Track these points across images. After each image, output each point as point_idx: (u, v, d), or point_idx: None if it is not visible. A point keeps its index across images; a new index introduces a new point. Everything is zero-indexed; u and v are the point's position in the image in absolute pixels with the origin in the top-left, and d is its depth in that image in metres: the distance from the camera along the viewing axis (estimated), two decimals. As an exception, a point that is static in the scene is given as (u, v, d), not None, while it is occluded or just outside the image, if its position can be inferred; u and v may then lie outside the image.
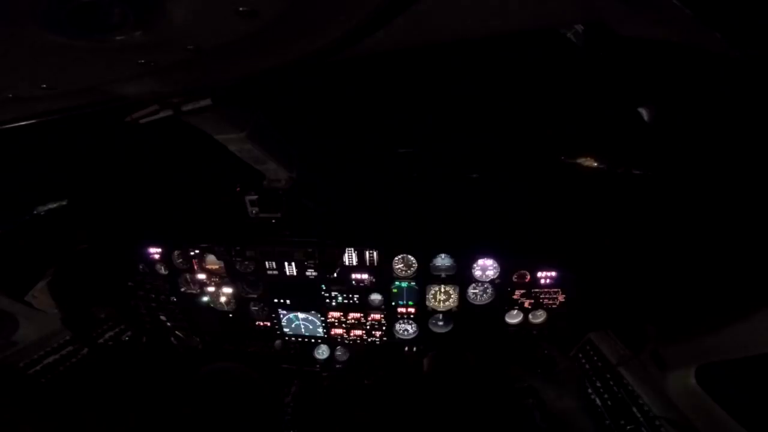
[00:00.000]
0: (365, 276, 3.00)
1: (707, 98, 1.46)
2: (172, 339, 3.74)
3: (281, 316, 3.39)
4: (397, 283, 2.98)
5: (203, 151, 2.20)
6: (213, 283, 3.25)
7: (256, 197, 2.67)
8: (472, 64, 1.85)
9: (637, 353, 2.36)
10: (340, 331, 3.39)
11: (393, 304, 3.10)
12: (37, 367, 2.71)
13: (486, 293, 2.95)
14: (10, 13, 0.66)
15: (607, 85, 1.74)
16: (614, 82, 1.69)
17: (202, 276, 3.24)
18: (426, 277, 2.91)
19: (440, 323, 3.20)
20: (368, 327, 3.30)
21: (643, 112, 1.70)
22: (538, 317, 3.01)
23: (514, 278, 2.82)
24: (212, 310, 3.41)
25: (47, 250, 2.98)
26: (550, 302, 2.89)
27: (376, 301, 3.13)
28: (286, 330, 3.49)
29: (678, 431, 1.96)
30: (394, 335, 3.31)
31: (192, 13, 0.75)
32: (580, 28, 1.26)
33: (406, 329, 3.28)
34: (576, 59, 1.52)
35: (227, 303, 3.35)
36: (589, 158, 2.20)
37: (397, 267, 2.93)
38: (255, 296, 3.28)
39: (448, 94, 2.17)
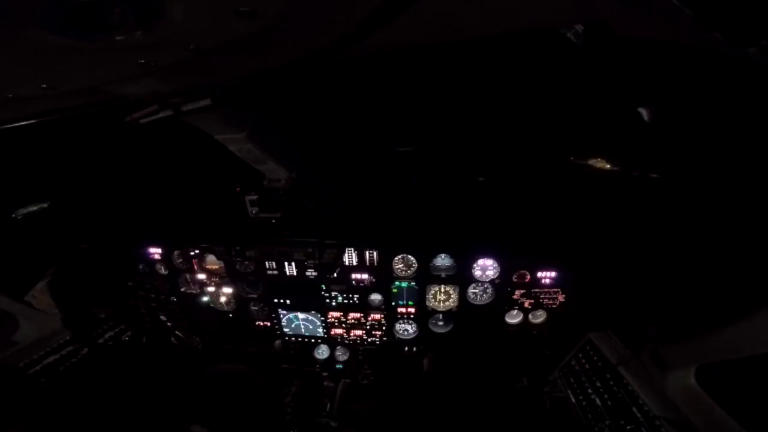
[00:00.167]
0: (365, 276, 3.00)
1: (707, 98, 1.46)
2: (172, 339, 3.75)
3: (281, 316, 3.39)
4: (397, 283, 2.98)
5: (203, 151, 2.20)
6: (213, 283, 3.25)
7: (256, 197, 2.67)
8: (471, 64, 1.85)
9: (637, 353, 2.36)
10: (340, 331, 3.39)
11: (393, 304, 3.11)
12: (37, 367, 2.71)
13: (486, 293, 2.95)
14: (10, 13, 0.66)
15: (607, 85, 1.74)
16: (614, 82, 1.69)
17: (202, 276, 3.24)
18: (426, 277, 2.91)
19: (440, 323, 3.20)
20: (368, 327, 3.30)
21: (643, 112, 1.70)
22: (538, 317, 3.01)
23: (514, 278, 2.82)
24: (212, 310, 3.41)
25: (47, 250, 2.98)
26: (550, 302, 2.89)
27: (376, 301, 3.13)
28: (286, 330, 3.48)
29: (678, 431, 1.96)
30: (394, 335, 3.31)
31: (192, 13, 0.75)
32: (580, 28, 1.26)
33: (406, 329, 3.28)
34: (576, 59, 1.52)
35: (227, 303, 3.35)
36: (600, 160, 2.18)
37: (397, 267, 2.93)
38: (255, 296, 3.28)
39: (448, 94, 2.17)
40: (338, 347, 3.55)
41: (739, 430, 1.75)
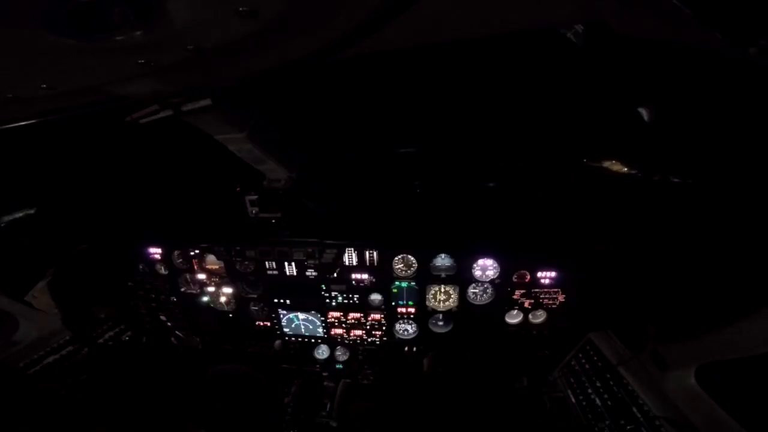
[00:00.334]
0: (365, 276, 3.00)
1: (707, 98, 1.46)
2: (172, 339, 3.74)
3: (281, 316, 3.39)
4: (397, 283, 2.98)
5: (203, 151, 2.20)
6: (213, 283, 3.25)
7: (256, 197, 2.67)
8: (471, 65, 1.85)
9: (637, 353, 2.36)
10: (340, 331, 3.39)
11: (393, 304, 3.10)
12: (37, 367, 2.71)
13: (486, 293, 2.95)
14: (10, 13, 0.66)
15: (609, 86, 1.74)
16: (614, 82, 1.69)
17: (202, 276, 3.24)
18: (426, 277, 2.91)
19: (440, 323, 3.20)
20: (368, 327, 3.30)
21: (643, 112, 1.70)
22: (538, 317, 3.01)
23: (514, 278, 2.82)
24: (212, 310, 3.41)
25: (47, 250, 2.98)
26: (550, 302, 2.89)
27: (376, 301, 3.13)
28: (286, 330, 3.48)
29: (678, 431, 1.96)
30: (394, 335, 3.31)
31: (192, 13, 0.75)
32: (580, 28, 1.26)
33: (406, 329, 3.28)
34: (576, 59, 1.52)
35: (227, 303, 3.35)
36: (615, 162, 2.14)
37: (397, 267, 2.93)
38: (255, 296, 3.28)
39: (447, 95, 2.17)
40: (338, 347, 3.55)
41: (739, 430, 1.75)
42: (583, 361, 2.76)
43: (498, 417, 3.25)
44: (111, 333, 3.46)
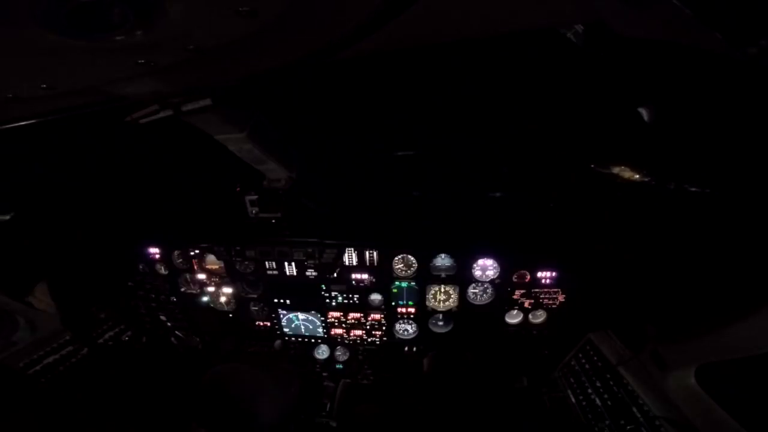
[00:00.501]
0: (365, 276, 3.00)
1: (707, 98, 1.46)
2: (172, 339, 3.74)
3: (281, 316, 3.39)
4: (397, 283, 2.98)
5: (203, 151, 2.20)
6: (213, 283, 3.25)
7: (256, 197, 2.67)
8: (471, 65, 1.85)
9: (637, 353, 2.36)
10: (340, 331, 3.39)
11: (393, 304, 3.10)
12: (37, 367, 2.71)
13: (486, 293, 2.95)
14: (10, 13, 0.66)
15: (608, 86, 1.74)
16: (615, 82, 1.69)
17: (202, 276, 3.24)
18: (426, 277, 2.91)
19: (440, 323, 3.20)
20: (368, 327, 3.30)
21: (643, 112, 1.70)
22: (538, 317, 3.01)
23: (514, 278, 2.82)
24: (212, 310, 3.41)
25: (47, 250, 2.98)
26: (550, 302, 2.89)
27: (376, 301, 3.13)
28: (286, 330, 3.49)
29: (678, 431, 1.96)
30: (394, 335, 3.31)
31: (192, 13, 0.75)
32: (580, 28, 1.26)
33: (406, 329, 3.28)
34: (577, 59, 1.52)
35: (227, 303, 3.35)
36: (625, 168, 2.07)
37: (397, 267, 2.93)
38: (255, 296, 3.28)
39: (447, 95, 2.17)
40: (338, 347, 3.55)
41: (739, 430, 1.75)
42: (583, 361, 2.76)
43: (498, 417, 3.24)
44: (111, 333, 3.46)
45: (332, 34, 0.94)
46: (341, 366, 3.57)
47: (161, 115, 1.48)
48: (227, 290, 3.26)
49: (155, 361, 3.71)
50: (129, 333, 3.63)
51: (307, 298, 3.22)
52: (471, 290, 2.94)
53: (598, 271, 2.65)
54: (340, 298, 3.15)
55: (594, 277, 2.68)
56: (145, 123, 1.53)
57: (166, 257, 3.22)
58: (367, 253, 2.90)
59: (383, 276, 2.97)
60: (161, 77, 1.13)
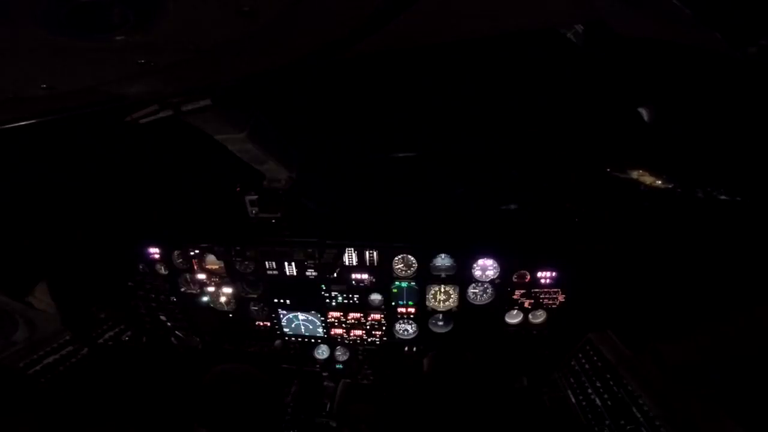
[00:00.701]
0: (365, 276, 3.00)
1: (707, 98, 1.46)
2: (172, 339, 3.74)
3: (281, 316, 3.39)
4: (397, 283, 2.98)
5: (203, 151, 2.20)
6: (213, 283, 3.25)
7: (256, 197, 2.67)
8: (470, 65, 1.85)
9: (637, 353, 2.36)
10: (340, 331, 3.39)
11: (393, 304, 3.10)
12: (37, 367, 2.71)
13: (486, 293, 2.95)
14: (10, 13, 0.66)
15: (610, 86, 1.74)
16: (614, 82, 1.69)
17: (202, 276, 3.24)
18: (426, 277, 2.91)
19: (440, 323, 3.20)
20: (368, 327, 3.30)
21: (643, 112, 1.70)
22: (538, 317, 3.01)
23: (514, 278, 2.82)
24: (212, 310, 3.41)
25: (47, 250, 2.98)
26: (550, 302, 2.89)
27: (376, 301, 3.13)
28: (286, 330, 3.48)
29: (678, 431, 1.96)
30: (394, 335, 3.31)
31: (192, 13, 0.75)
32: (580, 28, 1.26)
33: (406, 329, 3.28)
34: (576, 59, 1.52)
35: (227, 303, 3.35)
36: (644, 173, 1.97)
37: (397, 267, 2.93)
38: (255, 296, 3.28)
39: (447, 96, 2.17)
40: (338, 347, 3.55)
41: (739, 430, 1.75)
42: (583, 361, 2.76)
43: (498, 417, 3.24)
44: (111, 333, 3.46)
45: (332, 34, 0.94)
46: (341, 366, 3.57)
47: (161, 115, 1.48)
48: (227, 290, 3.26)
49: (155, 361, 3.71)
50: (129, 333, 3.62)
51: (307, 298, 3.22)
52: (471, 290, 2.94)
53: (598, 271, 2.65)
54: (340, 298, 3.15)
55: (594, 277, 2.68)
56: (145, 123, 1.53)
57: (166, 257, 3.21)
58: (367, 253, 2.90)
59: (383, 276, 2.97)
60: (161, 77, 1.13)
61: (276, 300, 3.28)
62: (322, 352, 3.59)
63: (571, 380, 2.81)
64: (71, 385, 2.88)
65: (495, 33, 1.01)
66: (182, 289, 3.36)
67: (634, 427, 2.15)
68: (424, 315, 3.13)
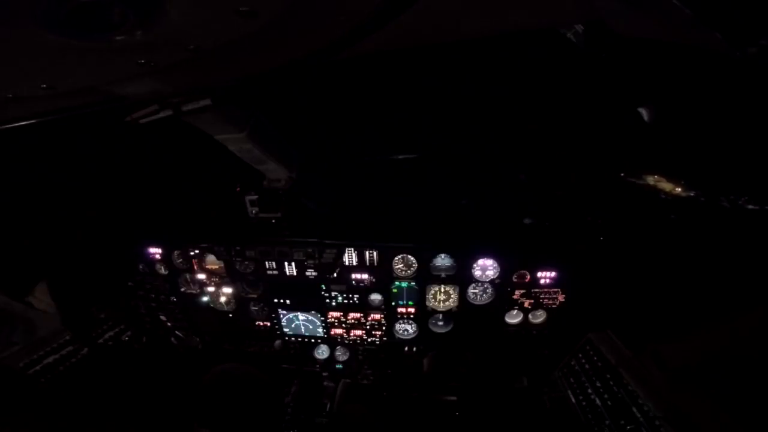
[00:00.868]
0: (365, 276, 3.00)
1: (707, 98, 1.46)
2: (172, 339, 3.74)
3: (281, 316, 3.39)
4: (397, 283, 2.98)
5: (203, 151, 2.20)
6: (213, 283, 3.25)
7: (256, 197, 2.67)
8: (470, 65, 1.85)
9: (637, 353, 2.36)
10: (340, 331, 3.39)
11: (393, 304, 3.10)
12: (37, 367, 2.71)
13: (486, 293, 2.95)
14: (10, 13, 0.66)
15: (608, 85, 1.74)
16: (615, 82, 1.69)
17: (202, 276, 3.24)
18: (426, 277, 2.91)
19: (440, 323, 3.19)
20: (368, 327, 3.30)
21: (643, 112, 1.70)
22: (538, 317, 3.01)
23: (514, 278, 2.82)
24: (212, 310, 3.41)
25: (47, 250, 2.98)
26: (550, 302, 2.89)
27: (376, 301, 3.13)
28: (286, 330, 3.48)
29: (678, 431, 1.96)
30: (394, 335, 3.31)
31: (192, 13, 0.75)
32: (580, 28, 1.26)
33: (406, 329, 3.28)
34: (576, 59, 1.52)
35: (227, 303, 3.35)
36: (661, 179, 1.87)
37: (397, 267, 2.93)
38: (255, 296, 3.28)
39: (447, 96, 2.17)
40: (338, 347, 3.55)
41: (738, 429, 1.75)
42: (583, 361, 2.76)
43: (498, 417, 3.24)
44: (111, 333, 3.46)
45: (333, 34, 0.94)
46: (341, 366, 3.57)
47: (161, 115, 1.48)
48: (227, 290, 3.26)
49: (155, 361, 3.71)
50: (129, 333, 3.63)
51: (307, 298, 3.22)
52: (471, 290, 2.94)
53: (598, 271, 2.65)
54: (340, 298, 3.15)
55: (594, 277, 2.68)
56: (145, 123, 1.53)
57: (166, 257, 3.21)
58: (367, 253, 2.90)
59: (383, 276, 2.97)
60: (161, 77, 1.13)
61: (276, 300, 3.28)
62: (322, 352, 3.59)
63: (571, 380, 2.81)
64: (71, 385, 2.88)
65: (495, 33, 1.01)
66: (182, 289, 3.36)
67: (634, 427, 2.15)
68: (424, 315, 3.12)
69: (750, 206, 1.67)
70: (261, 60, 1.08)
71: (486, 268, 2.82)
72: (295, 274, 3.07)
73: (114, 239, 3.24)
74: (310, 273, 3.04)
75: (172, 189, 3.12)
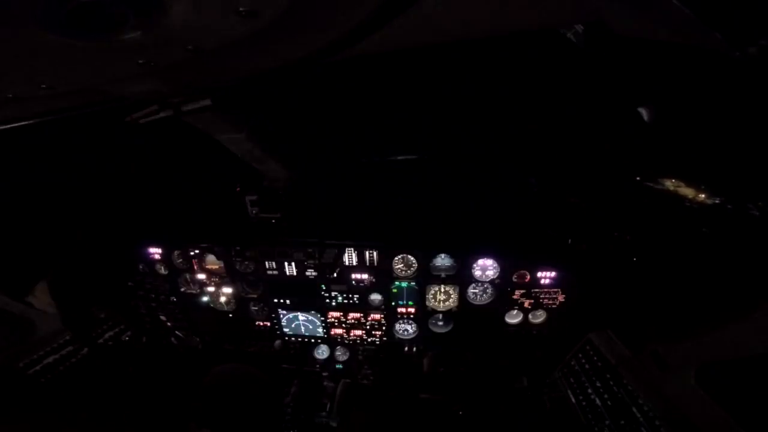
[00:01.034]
0: (365, 276, 3.00)
1: (707, 98, 1.46)
2: (172, 339, 3.74)
3: (281, 316, 3.39)
4: (397, 283, 2.98)
5: (203, 151, 2.20)
6: (213, 283, 3.25)
7: (256, 197, 2.67)
8: (470, 66, 1.85)
9: (637, 353, 2.36)
10: (340, 331, 3.39)
11: (393, 304, 3.10)
12: (37, 367, 2.71)
13: (486, 293, 2.95)
14: (10, 13, 0.66)
15: (608, 85, 1.73)
16: (615, 82, 1.68)
17: (202, 276, 3.24)
18: (426, 277, 2.91)
19: (440, 323, 3.19)
20: (368, 327, 3.30)
21: (643, 112, 1.70)
22: (538, 317, 3.01)
23: (514, 278, 2.82)
24: (212, 310, 3.41)
25: (47, 250, 2.98)
26: (550, 302, 2.89)
27: (376, 301, 3.13)
28: (286, 330, 3.48)
29: (678, 431, 1.96)
30: (394, 335, 3.31)
31: (192, 13, 0.75)
32: (580, 28, 1.26)
33: (406, 329, 3.28)
34: (576, 59, 1.52)
35: (227, 303, 3.35)
36: (680, 184, 1.77)
37: (397, 267, 2.93)
38: (255, 296, 3.28)
39: (446, 96, 2.17)
40: (338, 347, 3.55)
41: (738, 429, 1.75)
42: (583, 361, 2.76)
43: (498, 417, 3.24)
44: (111, 333, 3.46)
45: (333, 34, 0.94)
46: (341, 366, 3.57)
47: (161, 115, 1.48)
48: (227, 290, 3.26)
49: (155, 361, 3.71)
50: (129, 333, 3.62)
51: (307, 298, 3.22)
52: (471, 290, 2.94)
53: (597, 271, 2.65)
54: (340, 298, 3.15)
55: (594, 277, 2.68)
56: (145, 123, 1.53)
57: (166, 257, 3.21)
58: (367, 253, 2.90)
59: (383, 276, 2.97)
60: (161, 77, 1.13)
61: (276, 300, 3.28)
62: (322, 352, 3.59)
63: (571, 380, 2.81)
64: (71, 385, 2.88)
65: (495, 33, 1.01)
66: (182, 289, 3.36)
67: (634, 427, 2.15)
68: (424, 315, 3.12)
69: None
70: (261, 60, 1.08)
71: (486, 268, 2.82)
72: (295, 274, 3.07)
73: (114, 239, 3.24)
74: (310, 273, 3.04)
75: (172, 189, 3.12)
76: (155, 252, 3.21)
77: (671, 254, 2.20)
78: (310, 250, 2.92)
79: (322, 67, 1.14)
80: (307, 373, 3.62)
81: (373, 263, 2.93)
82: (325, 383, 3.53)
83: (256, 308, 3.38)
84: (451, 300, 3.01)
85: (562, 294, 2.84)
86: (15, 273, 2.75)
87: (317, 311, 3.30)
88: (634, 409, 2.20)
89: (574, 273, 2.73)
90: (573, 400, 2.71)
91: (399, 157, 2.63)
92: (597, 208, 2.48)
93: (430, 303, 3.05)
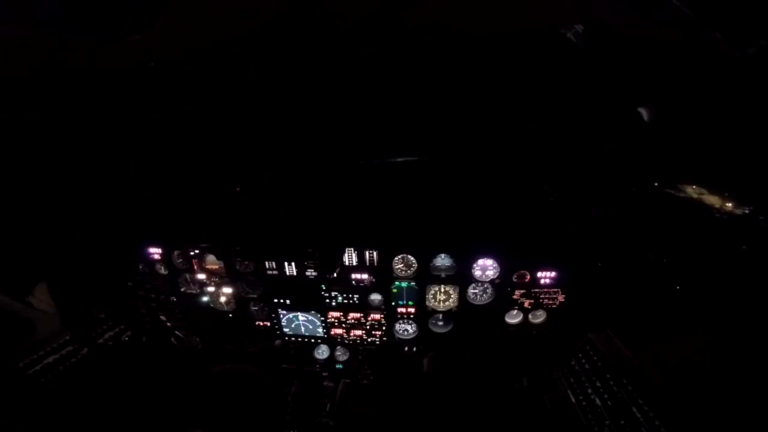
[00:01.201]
0: (365, 276, 3.00)
1: (707, 98, 1.46)
2: (172, 339, 3.74)
3: (281, 316, 3.38)
4: (397, 283, 2.98)
5: (203, 151, 2.20)
6: (213, 283, 3.25)
7: (256, 197, 2.67)
8: (470, 65, 1.85)
9: (637, 353, 2.36)
10: (340, 331, 3.39)
11: (393, 304, 3.10)
12: (37, 367, 2.71)
13: (486, 293, 2.95)
14: (10, 13, 0.66)
15: (607, 85, 1.73)
16: (615, 82, 1.68)
17: (202, 276, 3.24)
18: (426, 277, 2.91)
19: (440, 323, 3.19)
20: (368, 327, 3.30)
21: (643, 112, 1.70)
22: (538, 317, 3.01)
23: (514, 278, 2.82)
24: (212, 310, 3.41)
25: (47, 250, 2.98)
26: (550, 302, 2.89)
27: (376, 301, 3.13)
28: (286, 330, 3.48)
29: (678, 431, 1.95)
30: (394, 335, 3.31)
31: (191, 13, 0.75)
32: (580, 28, 1.26)
33: (406, 329, 3.28)
34: (576, 59, 1.51)
35: (227, 303, 3.35)
36: (701, 190, 1.70)
37: (397, 267, 2.93)
38: (255, 296, 3.28)
39: (447, 97, 2.16)
40: (338, 347, 3.55)
41: (738, 429, 1.75)
42: (583, 361, 2.76)
43: (498, 417, 3.24)
44: (111, 333, 3.46)
45: (333, 34, 0.94)
46: (341, 366, 3.57)
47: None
48: (227, 290, 3.26)
49: (155, 361, 3.70)
50: (129, 333, 3.62)
51: (307, 298, 3.22)
52: (471, 290, 2.94)
53: (598, 271, 2.65)
54: (340, 298, 3.15)
55: (594, 277, 2.68)
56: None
57: (166, 257, 3.21)
58: (367, 253, 2.90)
59: (383, 276, 2.97)
60: (161, 77, 1.13)
61: (276, 300, 3.28)
62: (322, 352, 3.59)
63: (571, 380, 2.81)
64: (71, 385, 2.87)
65: (495, 33, 1.02)
66: (182, 289, 3.36)
67: (634, 427, 2.15)
68: (424, 315, 3.12)
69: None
70: (261, 60, 1.08)
71: (486, 268, 2.82)
72: (295, 274, 3.07)
73: (114, 239, 3.24)
74: (310, 273, 3.04)
75: (172, 189, 3.12)
76: (155, 252, 3.21)
77: (708, 272, 2.05)
78: (310, 250, 2.92)
79: (322, 66, 1.14)
80: (307, 373, 3.61)
81: (373, 263, 2.93)
82: (325, 383, 3.53)
83: (256, 308, 3.38)
84: (451, 300, 3.00)
85: (562, 294, 2.84)
86: (15, 273, 2.75)
87: (317, 311, 3.30)
88: (634, 409, 2.20)
89: (574, 273, 2.73)
90: (573, 400, 2.71)
91: (399, 159, 2.63)
92: (622, 221, 2.32)
93: (430, 303, 3.05)
